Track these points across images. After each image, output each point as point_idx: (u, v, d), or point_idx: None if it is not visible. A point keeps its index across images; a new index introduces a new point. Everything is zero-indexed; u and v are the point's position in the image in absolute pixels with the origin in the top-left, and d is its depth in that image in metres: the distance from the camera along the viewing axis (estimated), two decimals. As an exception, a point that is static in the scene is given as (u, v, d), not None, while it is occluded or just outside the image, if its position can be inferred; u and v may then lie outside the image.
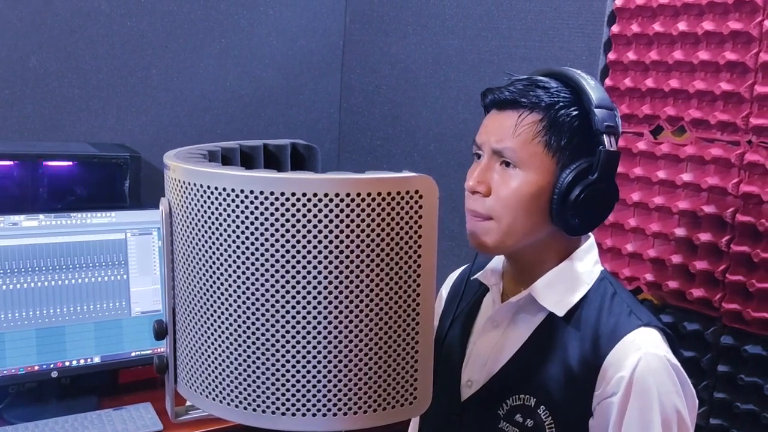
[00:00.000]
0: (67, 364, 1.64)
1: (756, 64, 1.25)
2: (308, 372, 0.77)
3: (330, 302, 0.75)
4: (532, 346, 1.04)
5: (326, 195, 0.73)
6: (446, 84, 1.89)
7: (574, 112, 0.99)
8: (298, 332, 0.76)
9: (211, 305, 0.79)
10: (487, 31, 1.77)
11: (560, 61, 1.55)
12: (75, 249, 1.67)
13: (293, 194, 0.73)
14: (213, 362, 0.80)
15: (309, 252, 0.74)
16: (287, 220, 0.74)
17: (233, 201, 0.75)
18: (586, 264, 1.05)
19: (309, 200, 0.73)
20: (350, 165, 2.30)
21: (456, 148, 1.92)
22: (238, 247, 0.76)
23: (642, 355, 0.95)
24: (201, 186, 0.77)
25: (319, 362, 0.76)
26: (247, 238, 0.75)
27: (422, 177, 0.77)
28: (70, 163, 1.80)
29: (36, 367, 1.61)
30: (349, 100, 2.31)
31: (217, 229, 0.76)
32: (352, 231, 0.74)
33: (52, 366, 1.62)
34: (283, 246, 0.75)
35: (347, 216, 0.74)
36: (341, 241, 0.74)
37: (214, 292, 0.78)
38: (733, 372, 1.30)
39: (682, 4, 1.35)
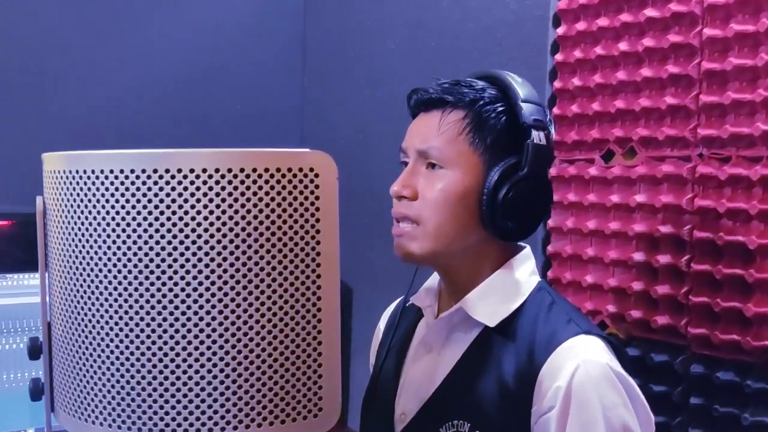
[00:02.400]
0: (-3, 437, 1.51)
1: (699, 74, 1.21)
2: (200, 380, 0.67)
3: (213, 294, 0.66)
4: (465, 366, 0.94)
5: (204, 171, 0.66)
6: (399, 131, 1.85)
7: (500, 108, 0.94)
8: (177, 330, 0.67)
9: (88, 311, 0.70)
10: (435, 73, 1.74)
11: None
12: (10, 312, 1.57)
13: (167, 171, 0.66)
14: (92, 380, 0.71)
15: (189, 235, 0.66)
16: (161, 201, 0.66)
17: (112, 183, 0.67)
18: (522, 273, 0.96)
19: (185, 177, 0.66)
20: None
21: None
22: (113, 235, 0.67)
23: (580, 362, 0.85)
24: (78, 172, 0.69)
25: (209, 371, 0.67)
26: (126, 223, 0.67)
27: (317, 153, 0.70)
28: (9, 222, 1.73)
29: (-42, 438, 1.48)
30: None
31: (94, 218, 0.68)
32: (237, 212, 0.67)
33: (-22, 438, 1.49)
34: (160, 229, 0.66)
35: (230, 194, 0.67)
36: (224, 223, 0.67)
37: (91, 295, 0.69)
38: (706, 404, 1.19)
39: (621, 25, 1.32)
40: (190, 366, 0.67)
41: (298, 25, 2.27)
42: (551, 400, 0.84)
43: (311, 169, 0.69)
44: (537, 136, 0.91)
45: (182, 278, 0.66)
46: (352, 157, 2.07)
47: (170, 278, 0.66)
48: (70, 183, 0.69)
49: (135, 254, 0.66)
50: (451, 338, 0.97)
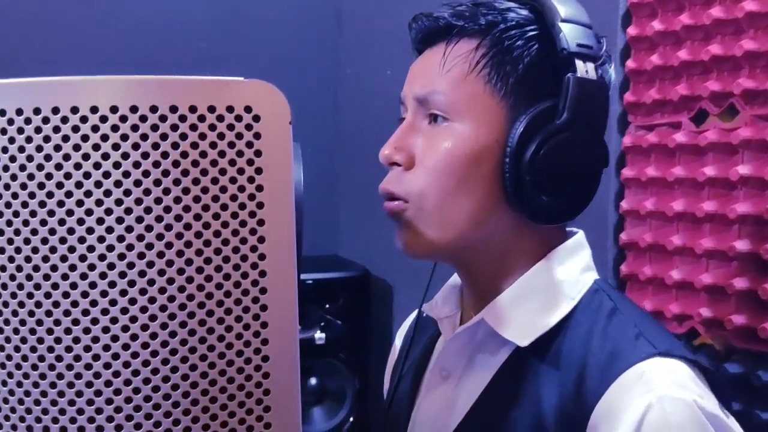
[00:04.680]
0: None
1: (827, 1, 0.91)
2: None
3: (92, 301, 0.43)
4: (491, 400, 0.68)
5: (56, 111, 0.42)
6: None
7: (531, 32, 0.67)
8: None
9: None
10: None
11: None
12: None
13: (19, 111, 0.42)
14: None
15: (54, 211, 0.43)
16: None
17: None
18: (569, 270, 0.69)
19: (45, 120, 0.42)
20: (350, 219, 2.01)
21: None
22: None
23: (653, 399, 0.57)
24: None
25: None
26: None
27: (257, 84, 0.45)
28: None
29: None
30: (343, 146, 2.05)
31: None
32: (127, 174, 0.43)
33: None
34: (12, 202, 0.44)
35: (114, 146, 0.43)
36: (113, 186, 0.43)
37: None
38: (840, 441, 0.89)
39: (716, -53, 1.03)
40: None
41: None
42: None
43: (247, 109, 0.44)
44: (583, 69, 0.64)
45: (69, 267, 0.43)
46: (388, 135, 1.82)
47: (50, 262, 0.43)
48: None
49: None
50: (474, 361, 0.71)
